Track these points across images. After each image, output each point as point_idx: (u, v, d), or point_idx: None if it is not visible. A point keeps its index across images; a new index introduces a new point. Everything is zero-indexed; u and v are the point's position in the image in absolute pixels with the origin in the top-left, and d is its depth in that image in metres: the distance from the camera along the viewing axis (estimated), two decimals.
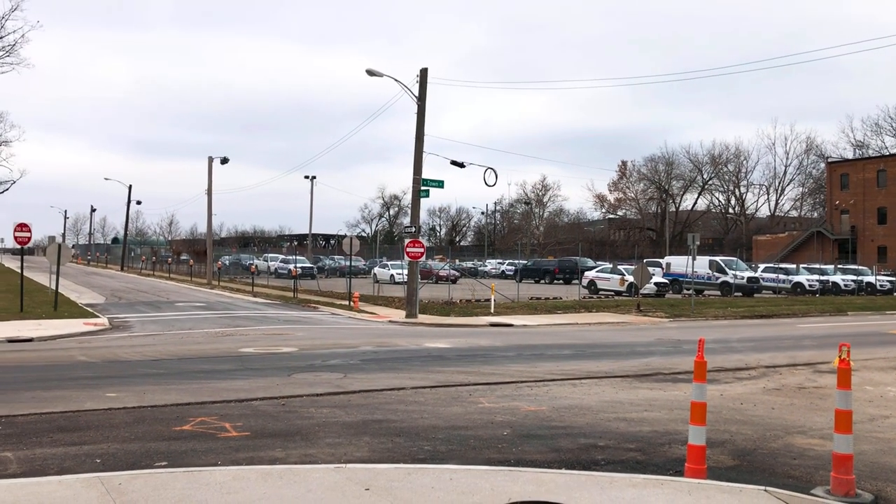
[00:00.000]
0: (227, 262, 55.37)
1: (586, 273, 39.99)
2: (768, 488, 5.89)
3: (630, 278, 35.94)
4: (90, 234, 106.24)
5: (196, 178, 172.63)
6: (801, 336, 20.53)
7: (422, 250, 26.77)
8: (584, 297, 35.01)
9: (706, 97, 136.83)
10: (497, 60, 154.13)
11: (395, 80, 26.93)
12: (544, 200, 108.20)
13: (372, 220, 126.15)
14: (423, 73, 27.25)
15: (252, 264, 45.69)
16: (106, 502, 5.31)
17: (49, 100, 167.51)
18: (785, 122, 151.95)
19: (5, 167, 79.58)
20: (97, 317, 23.91)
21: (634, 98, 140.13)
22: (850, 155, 79.74)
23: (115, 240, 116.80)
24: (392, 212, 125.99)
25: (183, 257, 68.32)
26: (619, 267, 39.35)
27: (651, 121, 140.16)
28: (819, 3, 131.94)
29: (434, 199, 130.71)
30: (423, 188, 27.04)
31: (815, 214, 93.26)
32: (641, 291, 31.10)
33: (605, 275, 38.94)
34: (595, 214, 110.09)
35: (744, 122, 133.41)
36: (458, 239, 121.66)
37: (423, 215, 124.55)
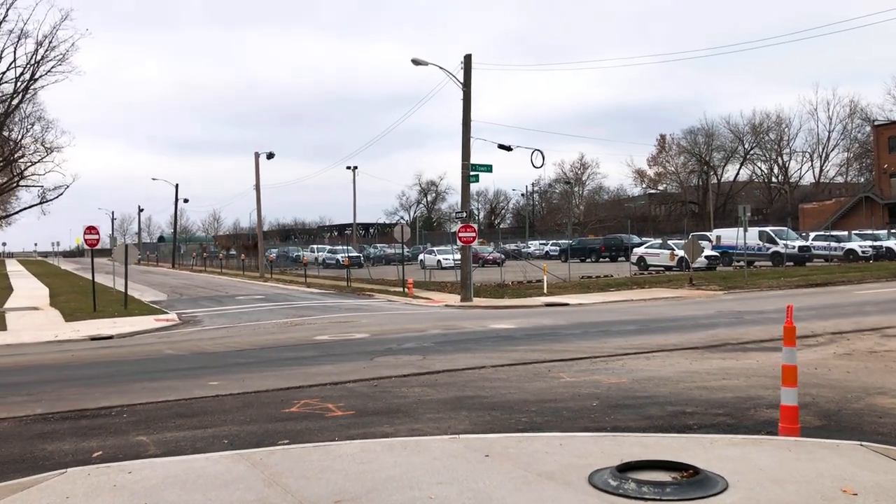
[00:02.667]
0: (274, 255, 56.53)
1: (635, 250, 40.08)
2: (863, 443, 6.25)
3: (680, 253, 36.00)
4: (138, 233, 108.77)
5: (234, 175, 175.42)
6: (861, 302, 20.56)
7: (474, 235, 27.22)
8: (634, 274, 35.18)
9: (744, 66, 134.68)
10: (527, 42, 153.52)
11: (440, 68, 27.35)
12: (583, 179, 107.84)
13: (410, 206, 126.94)
14: (468, 60, 27.57)
15: (303, 256, 46.57)
16: (255, 473, 5.88)
17: (86, 103, 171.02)
18: (826, 86, 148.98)
19: (58, 172, 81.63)
20: (166, 313, 24.85)
21: (670, 71, 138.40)
22: None
23: (160, 238, 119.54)
24: (430, 198, 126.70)
25: (231, 252, 69.71)
26: (669, 242, 39.36)
27: (688, 93, 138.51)
28: None
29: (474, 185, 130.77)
30: (472, 173, 27.46)
31: (863, 179, 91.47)
32: (692, 265, 31.16)
33: (654, 250, 39.00)
34: (635, 190, 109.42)
35: (784, 89, 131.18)
36: (497, 222, 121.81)
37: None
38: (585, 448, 6.28)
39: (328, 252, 59.27)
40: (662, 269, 37.62)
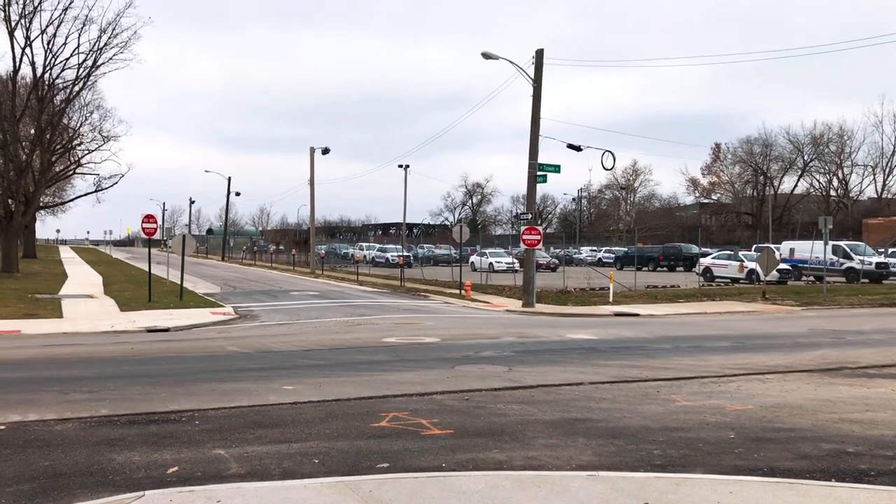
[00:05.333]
0: (325, 252, 56.01)
1: (701, 260, 38.47)
2: None
3: (750, 265, 34.34)
4: (188, 224, 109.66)
5: (283, 172, 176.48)
6: None
7: (539, 237, 26.06)
8: (701, 285, 33.64)
9: (806, 75, 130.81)
10: (579, 47, 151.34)
11: (511, 63, 26.23)
12: (635, 185, 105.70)
13: (455, 208, 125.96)
14: (539, 55, 26.45)
15: (359, 253, 45.88)
16: None
17: (143, 94, 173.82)
18: (893, 98, 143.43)
19: (114, 161, 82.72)
20: (221, 306, 24.20)
21: (729, 79, 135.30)
22: None
23: (209, 231, 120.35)
24: (475, 200, 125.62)
25: (280, 247, 69.53)
26: (739, 253, 37.68)
27: (747, 102, 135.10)
28: None
29: (519, 187, 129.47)
30: (539, 173, 26.31)
31: None
32: (764, 278, 29.56)
33: (722, 261, 37.34)
34: (688, 199, 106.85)
35: (848, 100, 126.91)
36: (544, 227, 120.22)
37: (507, 203, 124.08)
38: (763, 499, 5.16)
39: (378, 251, 58.53)
40: (729, 280, 35.96)
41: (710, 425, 8.04)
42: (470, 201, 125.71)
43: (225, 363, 12.50)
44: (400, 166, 70.67)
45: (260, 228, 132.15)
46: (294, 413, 8.61)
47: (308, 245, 55.57)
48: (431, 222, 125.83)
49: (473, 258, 51.34)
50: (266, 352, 13.98)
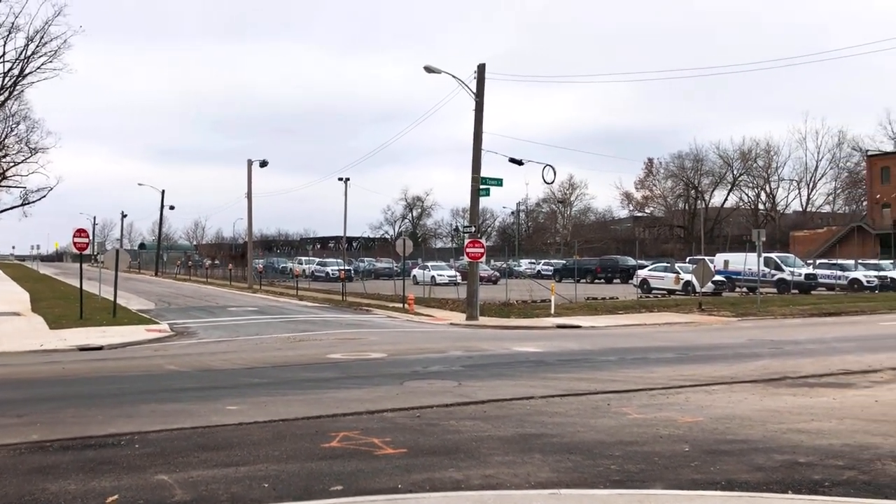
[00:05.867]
0: (262, 266, 54.99)
1: (639, 272, 39.15)
2: None
3: (686, 276, 35.10)
4: (120, 239, 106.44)
5: (218, 185, 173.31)
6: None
7: (482, 250, 26.09)
8: (639, 297, 34.19)
9: (735, 93, 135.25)
10: (522, 63, 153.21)
11: (453, 77, 26.32)
12: (572, 199, 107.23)
13: (395, 221, 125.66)
14: (481, 69, 26.56)
15: (298, 268, 45.17)
16: None
17: (72, 105, 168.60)
18: (816, 116, 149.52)
19: (42, 173, 79.46)
20: (157, 323, 23.45)
21: (662, 95, 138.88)
22: (888, 148, 78.13)
23: (141, 245, 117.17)
24: (415, 213, 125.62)
25: (216, 262, 68.05)
26: (676, 265, 38.47)
27: (678, 118, 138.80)
28: (840, 3, 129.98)
29: (459, 200, 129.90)
30: (482, 187, 26.37)
31: (848, 209, 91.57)
32: (700, 290, 30.21)
33: (658, 273, 38.09)
34: (622, 213, 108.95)
35: (774, 117, 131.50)
36: (485, 240, 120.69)
37: (447, 216, 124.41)
38: None
39: (318, 264, 57.81)
40: (666, 292, 36.68)
41: (663, 438, 8.04)
42: (410, 214, 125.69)
43: (164, 383, 12.02)
44: (340, 179, 69.95)
45: (194, 243, 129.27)
46: (240, 434, 8.28)
47: (245, 259, 54.53)
48: (372, 235, 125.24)
49: (415, 271, 51.20)
50: (207, 370, 13.51)
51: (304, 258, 64.35)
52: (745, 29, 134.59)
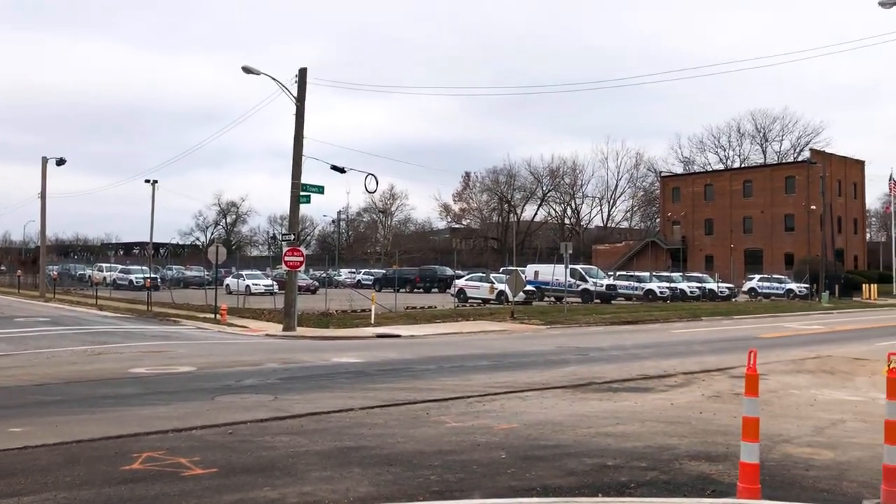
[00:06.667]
0: (57, 273, 50.58)
1: (456, 282, 40.07)
2: None
3: (500, 286, 36.37)
4: None
5: (9, 183, 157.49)
6: (686, 341, 21.38)
7: (302, 259, 25.50)
8: (456, 306, 34.96)
9: (546, 114, 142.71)
10: (346, 73, 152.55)
11: (273, 79, 25.59)
12: (392, 209, 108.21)
13: (207, 227, 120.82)
14: (303, 73, 26.04)
15: (98, 275, 41.89)
16: None
17: None
18: (617, 138, 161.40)
19: None
20: None
21: (479, 111, 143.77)
22: (678, 170, 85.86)
23: None
24: (229, 219, 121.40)
25: (2, 268, 61.76)
26: (490, 276, 39.74)
27: (494, 134, 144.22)
28: (638, 38, 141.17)
29: (277, 208, 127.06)
30: (303, 193, 25.82)
31: (643, 225, 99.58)
32: (513, 299, 31.45)
33: (474, 283, 39.20)
34: (441, 224, 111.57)
35: (581, 138, 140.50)
36: (304, 248, 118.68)
37: (264, 224, 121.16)
38: None
39: (120, 272, 54.02)
40: (481, 301, 37.82)
41: (481, 446, 8.13)
42: (224, 221, 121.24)
43: None
44: (147, 181, 65.90)
45: None
46: (25, 460, 7.41)
47: (37, 265, 49.85)
48: (181, 242, 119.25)
49: (229, 280, 49.27)
50: None
51: (105, 265, 59.93)
52: (550, 53, 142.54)
